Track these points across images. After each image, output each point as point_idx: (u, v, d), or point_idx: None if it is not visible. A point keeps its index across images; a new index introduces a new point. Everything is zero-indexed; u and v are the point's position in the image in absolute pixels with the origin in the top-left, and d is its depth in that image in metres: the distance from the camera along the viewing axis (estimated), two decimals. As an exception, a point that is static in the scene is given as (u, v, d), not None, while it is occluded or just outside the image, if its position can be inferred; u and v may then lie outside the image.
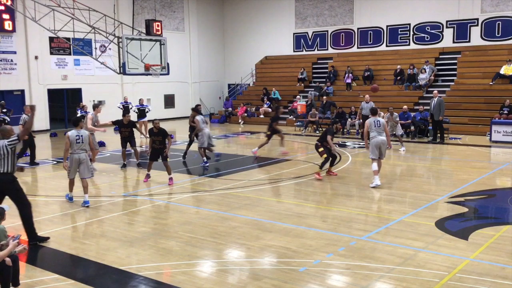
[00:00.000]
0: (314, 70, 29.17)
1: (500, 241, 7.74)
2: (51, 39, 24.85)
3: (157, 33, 18.18)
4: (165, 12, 30.08)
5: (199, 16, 32.26)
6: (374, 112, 12.19)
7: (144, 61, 17.56)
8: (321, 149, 12.80)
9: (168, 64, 18.50)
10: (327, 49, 29.41)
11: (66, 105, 26.51)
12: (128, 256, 7.37)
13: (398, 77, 24.86)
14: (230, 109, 29.05)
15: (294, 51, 30.73)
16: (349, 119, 21.90)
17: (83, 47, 22.58)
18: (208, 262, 7.17)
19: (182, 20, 31.46)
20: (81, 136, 10.24)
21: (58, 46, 25.33)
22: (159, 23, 18.41)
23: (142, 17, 27.37)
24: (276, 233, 8.28)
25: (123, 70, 17.39)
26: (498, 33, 23.97)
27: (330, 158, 12.93)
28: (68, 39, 21.95)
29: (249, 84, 31.83)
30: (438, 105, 18.31)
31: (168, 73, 18.89)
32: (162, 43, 18.19)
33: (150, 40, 17.95)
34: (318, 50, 29.75)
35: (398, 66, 24.96)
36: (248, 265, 7.02)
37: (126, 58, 17.07)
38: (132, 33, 20.03)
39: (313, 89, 26.67)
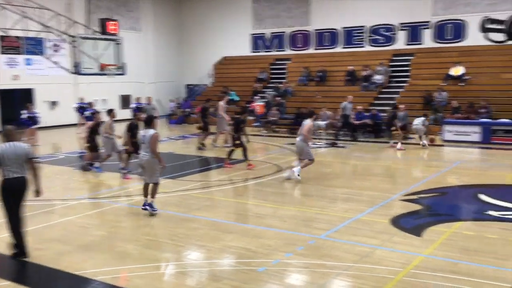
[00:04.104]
0: (272, 71, 29.33)
1: (452, 237, 8.00)
2: (1, 38, 23.95)
3: (113, 32, 17.85)
4: (120, 11, 29.55)
5: (155, 16, 31.88)
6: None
7: (99, 61, 17.20)
8: (237, 141, 13.78)
9: (124, 64, 18.20)
10: (284, 50, 29.65)
11: (17, 106, 25.59)
12: (84, 260, 7.18)
13: (350, 78, 25.27)
14: (188, 110, 28.81)
15: (252, 52, 30.81)
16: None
17: (35, 46, 21.90)
18: (166, 265, 7.08)
19: (138, 19, 31.00)
20: None
21: (9, 45, 24.45)
22: (114, 22, 18.09)
23: (97, 16, 26.76)
24: (235, 234, 8.27)
25: (77, 70, 16.99)
26: (449, 35, 24.81)
27: (242, 148, 13.73)
28: (19, 38, 21.25)
29: (206, 85, 31.69)
30: (405, 116, 18.95)
31: (124, 73, 18.59)
32: (117, 42, 17.88)
33: (105, 39, 17.62)
34: (276, 51, 29.95)
35: (350, 67, 25.40)
36: (208, 266, 6.98)
37: (80, 58, 16.69)
38: (87, 33, 19.58)
39: (271, 90, 26.81)
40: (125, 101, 29.50)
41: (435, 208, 10.09)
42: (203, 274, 6.69)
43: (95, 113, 14.90)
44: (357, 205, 10.11)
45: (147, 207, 9.31)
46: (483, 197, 10.51)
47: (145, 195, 9.47)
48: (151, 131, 9.19)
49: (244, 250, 7.49)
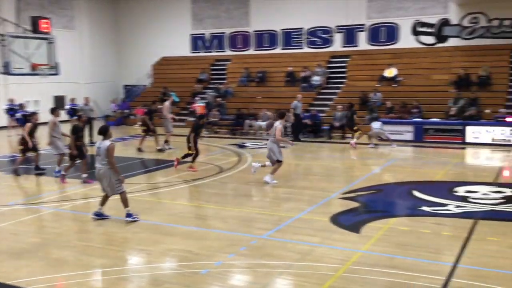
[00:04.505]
0: (212, 72, 29.24)
1: (388, 233, 8.28)
2: None
3: (45, 31, 17.16)
4: (53, 9, 28.44)
5: (91, 14, 30.93)
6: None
7: (31, 61, 16.48)
8: (190, 144, 13.60)
9: (57, 63, 17.54)
10: (224, 51, 29.63)
11: None
12: (17, 269, 6.83)
13: (289, 79, 25.65)
14: (127, 111, 28.16)
15: (191, 52, 30.57)
16: (247, 120, 22.26)
17: (-41, 44, 20.63)
18: (105, 271, 6.87)
19: (72, 17, 29.98)
20: None
21: None
22: (47, 21, 17.40)
23: (28, 14, 25.57)
24: (177, 237, 8.16)
25: (6, 70, 16.19)
26: (383, 38, 25.72)
27: (195, 152, 13.68)
28: None
29: (145, 86, 31.12)
30: (343, 116, 19.93)
31: (58, 73, 17.91)
32: (50, 41, 17.20)
33: (37, 38, 16.89)
34: (216, 51, 29.88)
35: (289, 68, 25.80)
36: (148, 271, 6.84)
37: (10, 58, 15.92)
38: (17, 31, 18.66)
39: (212, 91, 26.73)
40: (59, 102, 28.37)
41: (372, 205, 10.42)
42: (144, 279, 6.55)
43: (34, 114, 14.26)
44: (298, 204, 10.25)
45: (127, 218, 8.90)
46: (416, 193, 10.96)
47: (102, 203, 9.14)
48: (106, 143, 8.80)
49: (186, 252, 7.41)
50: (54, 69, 17.42)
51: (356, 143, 17.94)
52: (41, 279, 6.48)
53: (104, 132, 8.89)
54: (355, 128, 18.36)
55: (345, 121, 19.18)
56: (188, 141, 13.71)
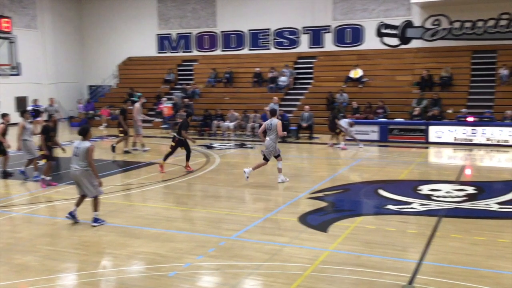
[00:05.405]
0: (179, 72, 29.03)
1: (355, 231, 8.40)
2: None
3: (6, 30, 16.72)
4: (14, 7, 27.69)
5: (54, 13, 30.24)
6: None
7: (-10, 60, 16.05)
8: (173, 143, 13.50)
9: (19, 63, 17.11)
10: (191, 51, 29.47)
11: None
12: (-23, 276, 6.62)
13: (256, 79, 25.73)
14: (91, 112, 27.65)
15: (158, 53, 30.28)
16: (214, 121, 22.20)
17: None
18: (70, 276, 6.73)
19: (35, 16, 29.25)
20: None
21: None
22: (7, 19, 16.95)
23: (-12, 12, 24.88)
24: (144, 239, 8.05)
25: (-35, 70, 15.72)
26: (348, 40, 26.06)
27: (186, 152, 13.62)
28: None
29: (110, 86, 30.64)
30: (310, 117, 20.46)
31: (19, 74, 17.47)
32: (11, 41, 16.77)
33: (-2, 37, 16.46)
34: (183, 52, 29.68)
35: (257, 69, 25.88)
36: (115, 274, 6.73)
37: (-32, 57, 15.46)
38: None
39: (179, 91, 26.54)
40: (21, 103, 27.65)
41: (339, 204, 10.54)
42: (110, 283, 6.44)
43: (5, 115, 13.84)
44: (266, 205, 10.28)
45: (94, 223, 8.73)
46: (382, 192, 11.15)
47: (77, 204, 8.97)
48: (86, 143, 8.66)
49: (154, 255, 7.32)
50: (15, 69, 17.03)
51: (333, 144, 18.16)
52: (3, 285, 6.29)
53: (84, 133, 8.77)
54: (337, 130, 18.47)
55: (328, 124, 19.20)
56: (174, 141, 13.52)
